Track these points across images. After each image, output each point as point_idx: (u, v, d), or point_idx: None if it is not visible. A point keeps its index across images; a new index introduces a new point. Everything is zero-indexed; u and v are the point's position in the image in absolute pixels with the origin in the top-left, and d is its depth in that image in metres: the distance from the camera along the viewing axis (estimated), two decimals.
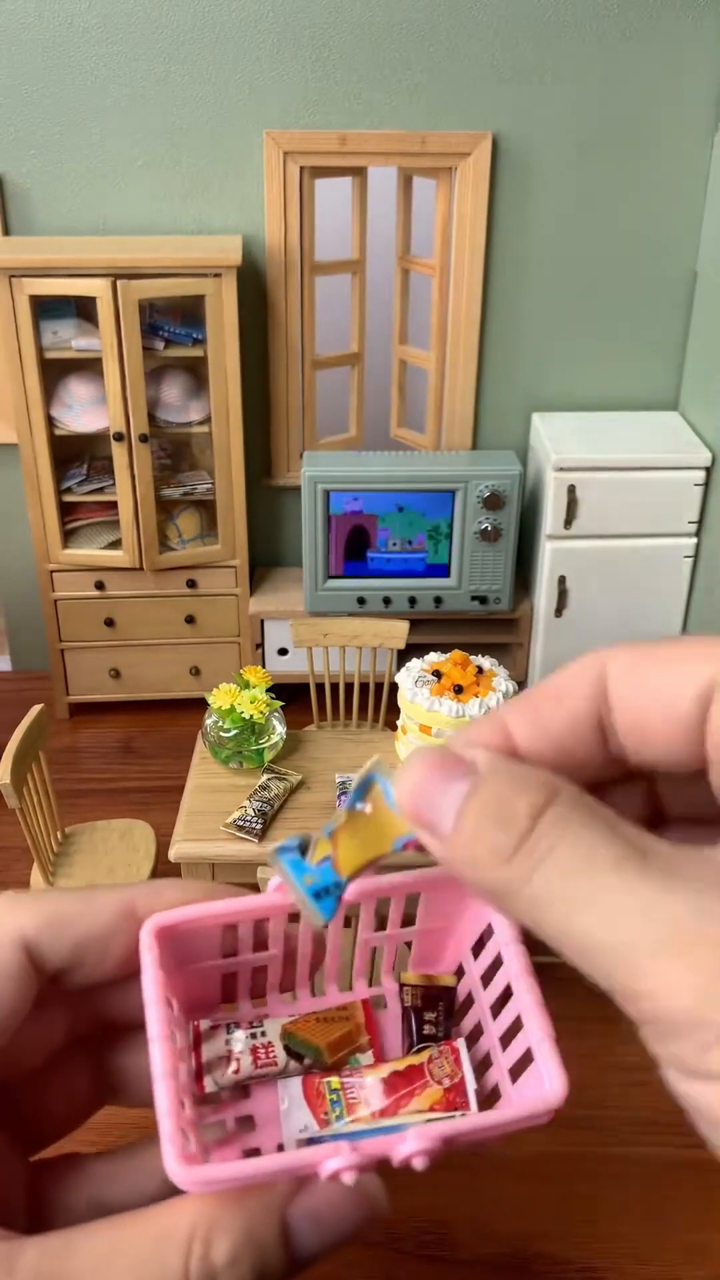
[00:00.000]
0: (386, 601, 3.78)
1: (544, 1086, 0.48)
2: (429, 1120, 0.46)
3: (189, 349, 3.49)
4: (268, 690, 2.82)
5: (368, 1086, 0.52)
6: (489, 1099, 0.53)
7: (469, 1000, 0.59)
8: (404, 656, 3.46)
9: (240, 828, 2.60)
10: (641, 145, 3.50)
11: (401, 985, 0.60)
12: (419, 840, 0.32)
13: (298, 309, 3.68)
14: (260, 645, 3.94)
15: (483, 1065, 0.54)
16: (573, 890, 0.27)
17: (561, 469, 3.55)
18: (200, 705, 3.64)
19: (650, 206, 3.58)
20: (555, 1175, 2.51)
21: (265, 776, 2.76)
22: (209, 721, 2.82)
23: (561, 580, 3.72)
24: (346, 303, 3.85)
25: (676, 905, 0.26)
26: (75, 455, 3.74)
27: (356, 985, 0.59)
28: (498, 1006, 0.55)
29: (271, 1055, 0.39)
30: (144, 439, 3.50)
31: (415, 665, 2.84)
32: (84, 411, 3.54)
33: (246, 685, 2.82)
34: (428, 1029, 0.70)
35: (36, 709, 2.81)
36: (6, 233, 3.52)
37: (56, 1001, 0.44)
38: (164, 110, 3.40)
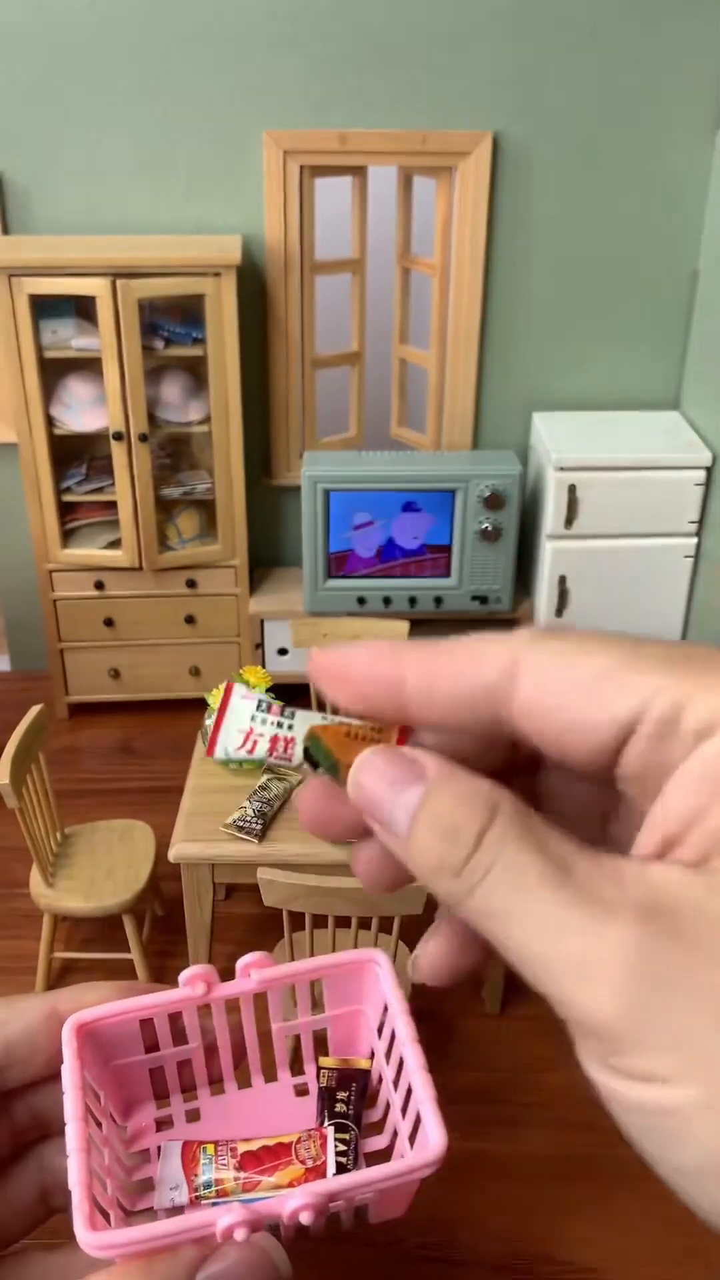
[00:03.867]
0: (386, 601, 3.77)
1: (428, 1143, 0.53)
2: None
3: (189, 348, 3.48)
4: (268, 691, 2.82)
5: (239, 1156, 0.57)
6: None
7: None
8: None
9: (240, 828, 2.59)
10: (642, 144, 3.49)
11: (319, 1068, 0.64)
12: (377, 833, 0.34)
13: (298, 308, 3.67)
14: (260, 645, 3.93)
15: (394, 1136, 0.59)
16: (506, 906, 0.30)
17: (562, 469, 3.54)
18: (200, 705, 3.63)
19: (651, 205, 3.58)
20: (556, 1177, 2.51)
21: (265, 777, 2.76)
22: (209, 722, 2.81)
23: (562, 580, 3.72)
24: (346, 302, 3.84)
25: (589, 930, 0.28)
26: (75, 455, 3.73)
27: (280, 1075, 0.63)
28: (400, 1076, 0.59)
29: (289, 751, 0.39)
30: (143, 438, 3.50)
31: None
32: (83, 411, 3.54)
33: (246, 686, 2.82)
34: (339, 1107, 0.75)
35: (36, 709, 2.81)
36: (6, 232, 3.52)
37: None
38: (164, 109, 3.40)
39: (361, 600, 3.76)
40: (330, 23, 3.30)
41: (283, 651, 3.92)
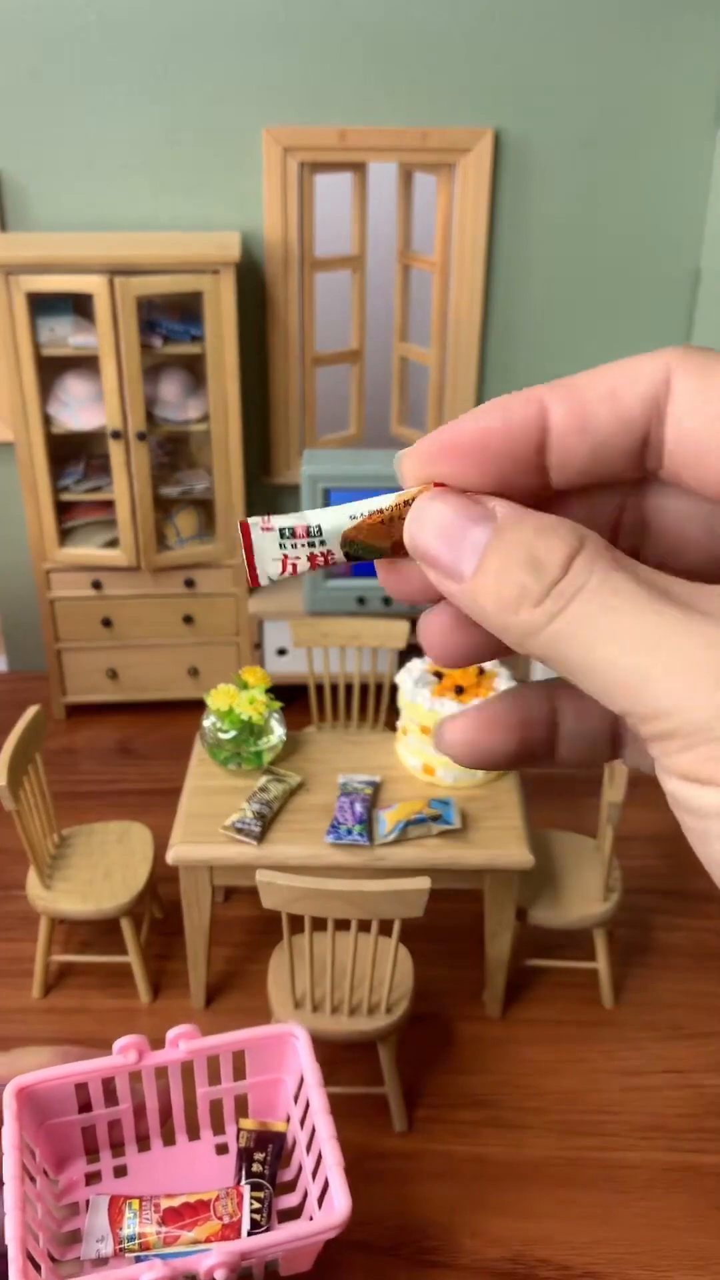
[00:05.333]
0: (387, 601, 3.75)
1: (334, 1207, 0.61)
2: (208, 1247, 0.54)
3: (187, 346, 3.46)
4: (267, 691, 2.80)
5: (161, 1212, 0.61)
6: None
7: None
8: (404, 657, 3.44)
9: (239, 830, 2.57)
10: (643, 142, 3.47)
11: (239, 1129, 0.68)
12: (429, 576, 0.32)
13: (297, 305, 3.65)
14: (259, 646, 3.91)
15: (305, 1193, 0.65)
16: (597, 624, 0.28)
17: None
18: (198, 706, 3.61)
19: (652, 204, 3.56)
20: (556, 1180, 2.49)
21: (264, 778, 2.74)
22: (207, 723, 2.80)
23: None
24: (346, 299, 3.82)
25: (692, 635, 0.28)
26: (72, 453, 3.71)
27: (203, 1134, 0.67)
28: (313, 1142, 0.66)
29: (331, 561, 0.36)
30: (142, 437, 3.48)
31: (416, 666, 2.82)
32: (81, 409, 3.52)
33: (245, 686, 2.80)
34: (256, 1167, 0.81)
35: (33, 710, 2.79)
36: (4, 229, 3.50)
37: None
38: (163, 105, 3.38)
39: (361, 600, 3.74)
40: (330, 19, 3.28)
41: (282, 652, 3.90)
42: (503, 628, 0.30)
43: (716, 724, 0.27)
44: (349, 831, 2.55)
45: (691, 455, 0.30)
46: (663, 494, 0.33)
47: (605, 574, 0.29)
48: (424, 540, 0.32)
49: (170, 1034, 0.62)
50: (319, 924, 2.36)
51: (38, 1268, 0.51)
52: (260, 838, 2.56)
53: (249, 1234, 0.69)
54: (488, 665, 2.80)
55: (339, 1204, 0.58)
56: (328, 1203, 0.60)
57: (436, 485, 0.33)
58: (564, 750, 0.35)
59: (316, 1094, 0.63)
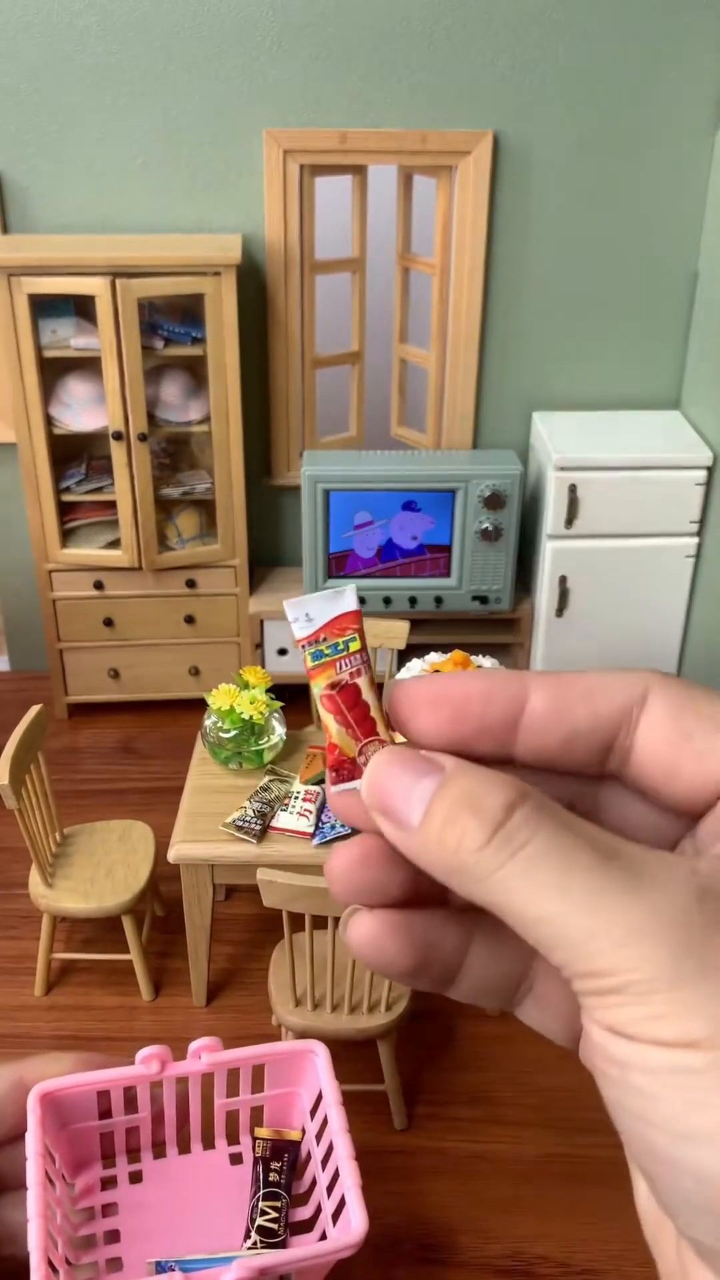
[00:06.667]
0: (387, 601, 3.77)
1: (349, 1227, 0.60)
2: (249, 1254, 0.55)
3: (188, 348, 3.48)
4: (267, 691, 2.81)
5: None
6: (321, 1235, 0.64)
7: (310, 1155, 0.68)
8: (404, 656, 3.45)
9: (239, 828, 2.59)
10: (642, 144, 3.49)
11: (254, 1138, 0.69)
12: (383, 830, 0.33)
13: (298, 308, 3.67)
14: (260, 645, 3.93)
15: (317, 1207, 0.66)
16: (545, 880, 0.29)
17: (562, 468, 3.54)
18: (200, 706, 3.63)
19: (651, 205, 3.57)
20: (556, 1177, 2.51)
21: (265, 778, 2.75)
22: (208, 722, 2.81)
23: (562, 580, 3.71)
24: (347, 301, 3.84)
25: (638, 901, 0.29)
26: (74, 454, 3.73)
27: (218, 1144, 0.68)
28: (328, 1158, 0.65)
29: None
30: (143, 438, 3.49)
31: (416, 665, 2.83)
32: (83, 410, 3.53)
33: (246, 686, 2.81)
34: (273, 1176, 0.81)
35: (35, 709, 2.81)
36: (5, 231, 3.51)
37: None
38: (164, 108, 3.39)
39: (361, 600, 3.75)
40: (330, 21, 3.30)
41: (282, 651, 3.92)
42: (447, 872, 0.31)
43: (654, 990, 0.28)
44: (332, 828, 2.56)
45: (658, 767, 0.33)
46: (616, 794, 0.35)
47: (553, 831, 0.30)
48: (378, 792, 0.33)
49: (193, 1046, 0.64)
50: (319, 922, 2.38)
51: (56, 1272, 0.53)
52: (261, 836, 2.58)
53: (266, 1245, 0.70)
54: (486, 664, 2.81)
55: (355, 1224, 0.60)
56: (344, 1221, 0.62)
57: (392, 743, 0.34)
58: (464, 985, 0.36)
59: (335, 1112, 0.65)
